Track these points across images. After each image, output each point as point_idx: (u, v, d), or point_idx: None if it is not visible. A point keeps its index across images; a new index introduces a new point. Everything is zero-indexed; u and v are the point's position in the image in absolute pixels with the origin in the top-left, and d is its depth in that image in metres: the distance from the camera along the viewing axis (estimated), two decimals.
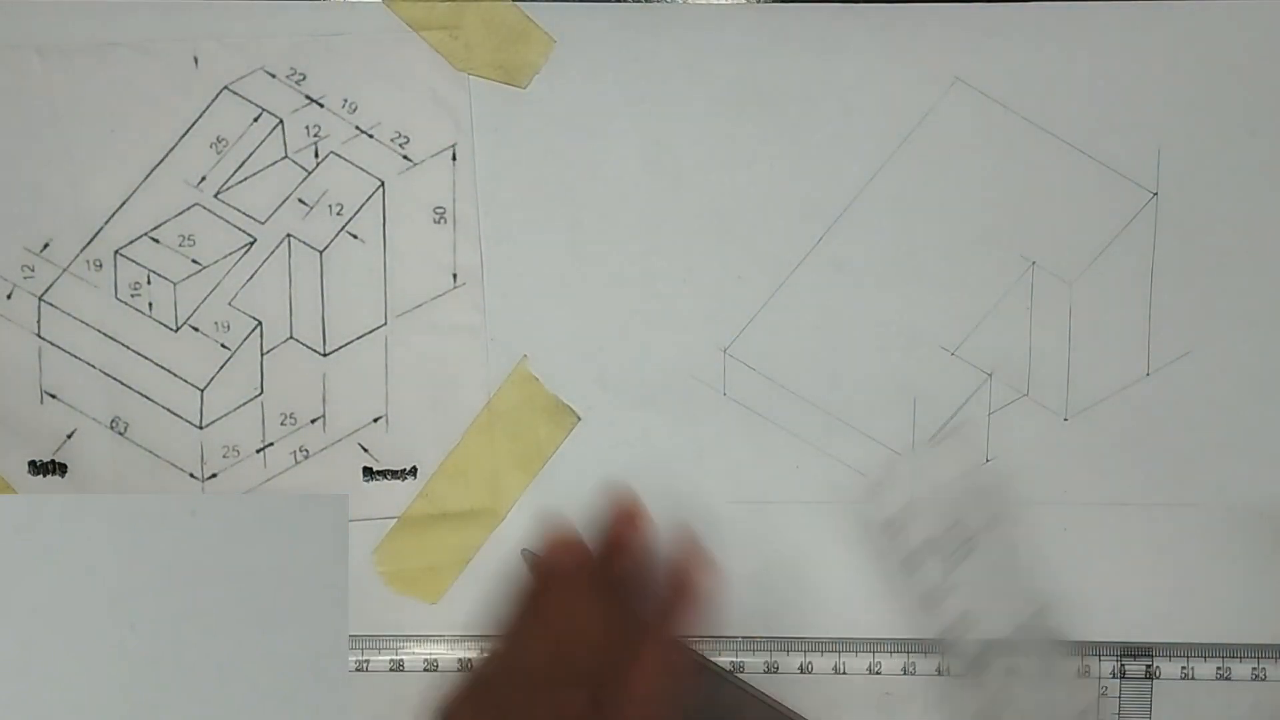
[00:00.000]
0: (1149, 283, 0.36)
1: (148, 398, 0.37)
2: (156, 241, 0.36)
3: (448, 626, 0.38)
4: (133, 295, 0.37)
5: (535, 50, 0.36)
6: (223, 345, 0.37)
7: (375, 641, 0.38)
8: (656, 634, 0.28)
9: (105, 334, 0.37)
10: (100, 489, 0.37)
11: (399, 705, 0.38)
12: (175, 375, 0.37)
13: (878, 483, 0.37)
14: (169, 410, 0.37)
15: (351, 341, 0.37)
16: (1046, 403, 0.37)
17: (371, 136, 0.36)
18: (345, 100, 0.36)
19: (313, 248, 0.37)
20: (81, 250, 0.36)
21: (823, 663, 0.38)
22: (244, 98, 0.36)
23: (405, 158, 0.36)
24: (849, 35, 0.36)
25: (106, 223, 0.36)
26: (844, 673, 0.38)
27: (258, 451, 0.37)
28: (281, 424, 0.37)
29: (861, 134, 0.36)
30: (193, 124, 0.36)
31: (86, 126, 0.36)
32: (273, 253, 0.37)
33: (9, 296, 0.37)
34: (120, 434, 0.37)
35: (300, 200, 0.36)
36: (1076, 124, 0.36)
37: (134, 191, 0.36)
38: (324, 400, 0.37)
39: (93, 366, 0.37)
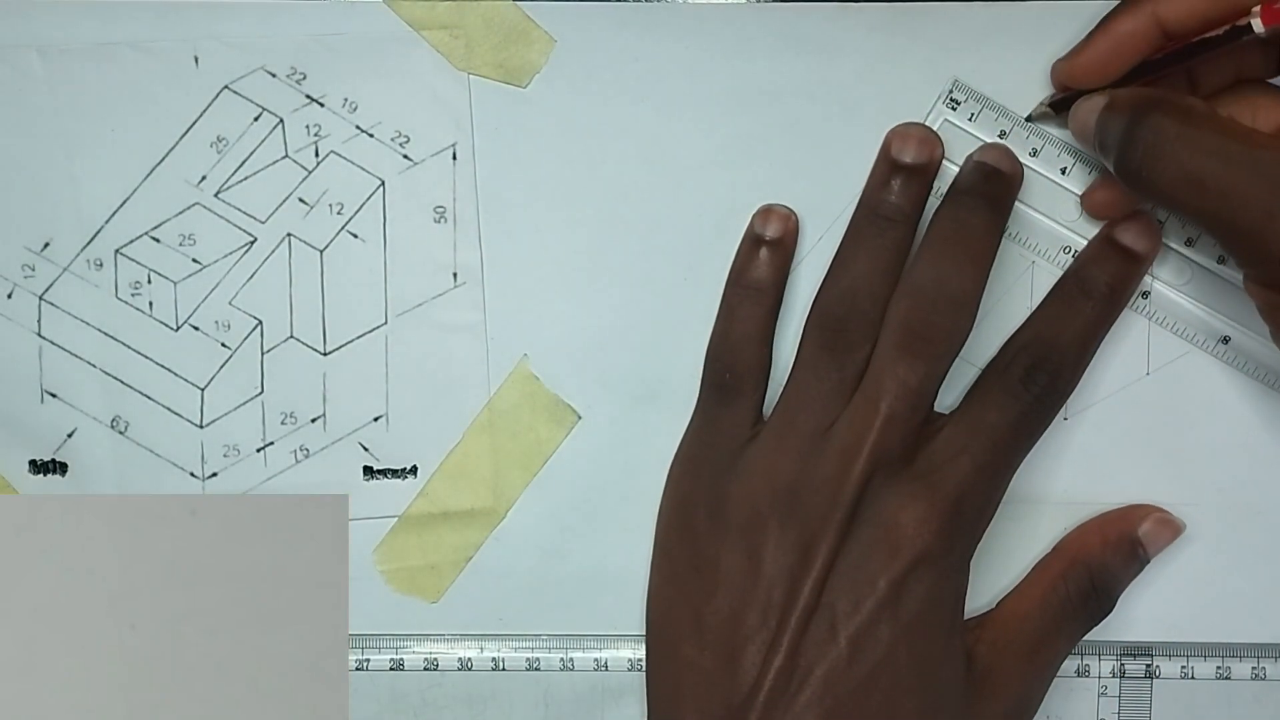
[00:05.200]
0: (1149, 282, 0.36)
1: (148, 397, 0.37)
2: (157, 241, 0.36)
3: (448, 626, 0.38)
4: (133, 295, 0.37)
5: (535, 50, 0.36)
6: (223, 344, 0.37)
7: (375, 641, 0.38)
8: None
9: (106, 333, 0.37)
10: (100, 488, 0.37)
11: (399, 705, 0.38)
12: (175, 374, 0.37)
13: None
14: (169, 409, 0.37)
15: (352, 341, 0.37)
16: None
17: (372, 136, 0.36)
18: (345, 100, 0.36)
19: (313, 247, 0.37)
20: (82, 250, 0.36)
21: None
22: (244, 97, 0.36)
23: (405, 157, 0.36)
24: (849, 35, 0.36)
25: (107, 222, 0.36)
26: None
27: (258, 451, 0.37)
28: (282, 423, 0.37)
29: (861, 134, 0.36)
30: (193, 124, 0.36)
31: (86, 126, 0.36)
32: (273, 252, 0.37)
33: (9, 296, 0.37)
34: (121, 433, 0.37)
35: (300, 200, 0.36)
36: None
37: (134, 191, 0.36)
38: (324, 399, 0.37)
39: (93, 366, 0.37)
